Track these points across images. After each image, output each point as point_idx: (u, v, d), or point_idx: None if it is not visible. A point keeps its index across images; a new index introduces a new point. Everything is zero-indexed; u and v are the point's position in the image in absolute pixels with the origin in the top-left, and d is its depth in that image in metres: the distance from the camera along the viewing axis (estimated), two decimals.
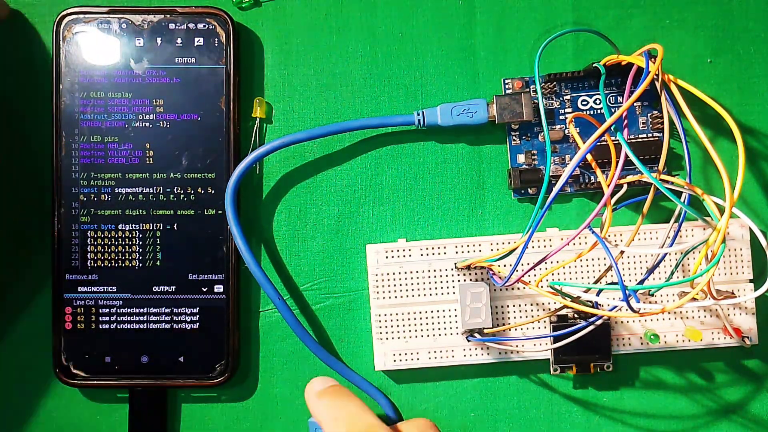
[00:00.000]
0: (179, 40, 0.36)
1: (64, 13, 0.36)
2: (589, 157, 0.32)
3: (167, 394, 0.37)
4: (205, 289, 0.36)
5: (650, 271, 0.33)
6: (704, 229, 0.35)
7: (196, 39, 0.36)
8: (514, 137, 0.37)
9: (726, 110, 0.33)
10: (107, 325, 0.36)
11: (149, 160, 0.36)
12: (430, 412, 0.37)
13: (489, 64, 0.37)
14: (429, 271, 0.36)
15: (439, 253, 0.36)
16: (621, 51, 0.35)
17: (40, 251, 0.37)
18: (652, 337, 0.35)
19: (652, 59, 0.32)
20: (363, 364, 0.37)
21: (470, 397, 0.37)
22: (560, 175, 0.36)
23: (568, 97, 0.37)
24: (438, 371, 0.37)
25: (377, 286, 0.36)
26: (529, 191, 0.37)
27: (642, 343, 0.36)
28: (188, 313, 0.36)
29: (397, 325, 0.36)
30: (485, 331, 0.35)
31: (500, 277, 0.33)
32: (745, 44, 0.37)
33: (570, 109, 0.37)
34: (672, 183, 0.33)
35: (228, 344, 0.36)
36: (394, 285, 0.36)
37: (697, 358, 0.37)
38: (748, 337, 0.35)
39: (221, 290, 0.36)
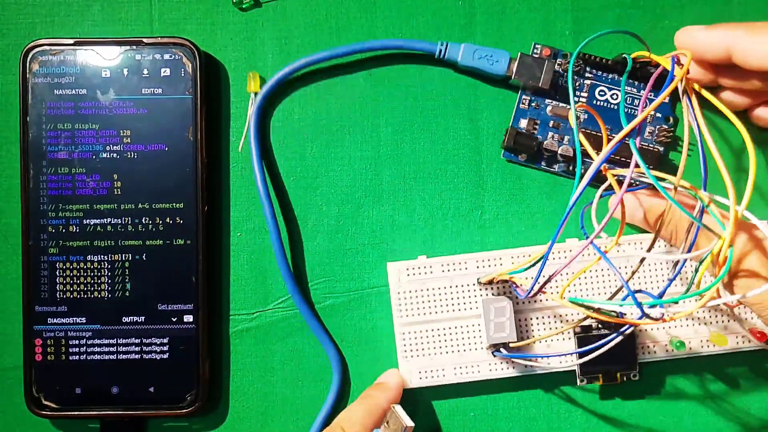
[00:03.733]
0: (146, 71, 0.36)
1: (31, 45, 0.36)
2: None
3: (138, 424, 0.36)
4: (174, 319, 0.36)
5: (671, 280, 0.32)
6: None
7: (163, 69, 0.36)
8: (523, 101, 0.37)
9: (743, 123, 0.31)
10: (77, 357, 0.36)
11: (117, 191, 0.36)
12: (431, 412, 0.37)
13: None
14: (451, 287, 0.36)
15: (460, 269, 0.36)
16: (621, 51, 0.35)
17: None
18: (677, 344, 0.35)
19: (679, 66, 0.32)
20: (362, 364, 0.37)
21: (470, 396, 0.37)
22: (554, 150, 0.36)
23: (588, 81, 0.37)
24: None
25: (400, 305, 0.36)
26: (519, 157, 0.37)
27: (667, 351, 0.35)
28: (158, 343, 0.36)
29: (421, 343, 0.36)
30: (510, 345, 0.35)
31: (523, 290, 0.33)
32: None
33: (586, 94, 0.36)
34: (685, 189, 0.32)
35: (198, 373, 0.36)
36: (417, 303, 0.36)
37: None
38: None
39: (191, 320, 0.36)
